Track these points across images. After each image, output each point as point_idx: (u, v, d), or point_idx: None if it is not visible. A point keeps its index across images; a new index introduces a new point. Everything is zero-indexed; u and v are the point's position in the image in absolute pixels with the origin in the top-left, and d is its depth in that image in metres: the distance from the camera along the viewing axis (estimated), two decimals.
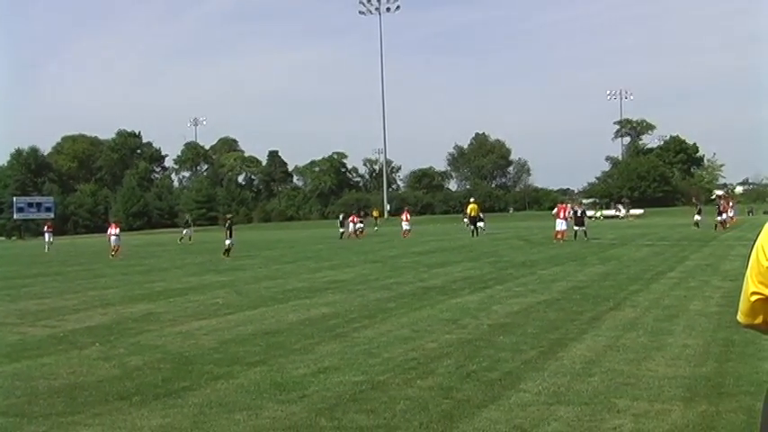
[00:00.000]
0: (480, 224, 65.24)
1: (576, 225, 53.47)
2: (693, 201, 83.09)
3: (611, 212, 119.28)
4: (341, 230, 71.84)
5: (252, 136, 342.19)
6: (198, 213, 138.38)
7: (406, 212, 75.96)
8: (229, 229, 46.96)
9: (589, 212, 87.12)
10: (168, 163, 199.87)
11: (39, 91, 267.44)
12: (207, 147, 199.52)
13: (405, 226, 70.92)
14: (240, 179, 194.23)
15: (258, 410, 9.73)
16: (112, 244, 51.77)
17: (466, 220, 76.41)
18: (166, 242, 72.17)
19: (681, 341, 13.61)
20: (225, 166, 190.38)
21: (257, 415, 9.54)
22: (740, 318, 4.49)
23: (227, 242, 46.51)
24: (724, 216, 64.64)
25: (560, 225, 51.51)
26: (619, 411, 9.23)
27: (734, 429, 8.48)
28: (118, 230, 53.11)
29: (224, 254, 45.68)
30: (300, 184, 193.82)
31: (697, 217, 65.89)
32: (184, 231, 75.99)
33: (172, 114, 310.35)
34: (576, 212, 54.69)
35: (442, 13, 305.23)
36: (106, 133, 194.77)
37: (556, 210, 54.35)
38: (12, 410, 10.10)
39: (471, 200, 71.88)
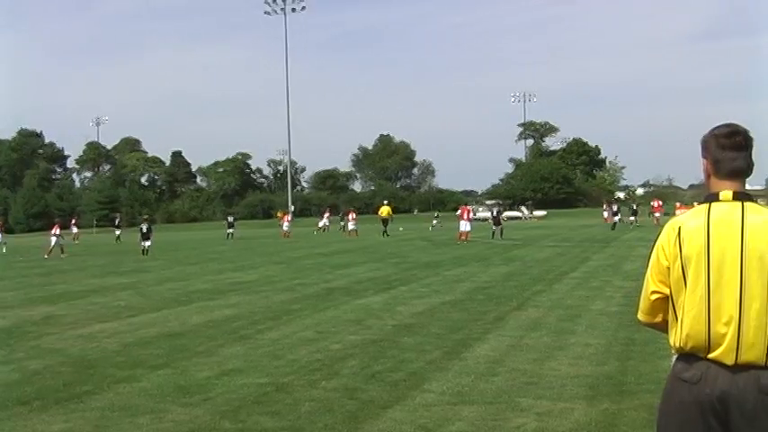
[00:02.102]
0: (434, 222, 65.95)
1: (494, 225, 54.94)
2: (634, 205, 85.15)
3: (515, 214, 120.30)
4: (228, 231, 73.07)
5: (155, 136, 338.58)
6: (100, 214, 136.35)
7: (351, 212, 76.96)
8: (149, 230, 48.76)
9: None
10: (70, 163, 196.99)
11: None
12: (109, 147, 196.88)
13: (351, 225, 72.01)
14: (143, 180, 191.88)
15: (161, 414, 9.63)
16: (52, 244, 51.02)
17: (342, 222, 78.34)
18: (67, 243, 71.01)
19: (583, 340, 13.77)
20: (127, 166, 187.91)
21: (160, 418, 9.43)
22: (640, 316, 4.60)
23: (146, 243, 47.99)
24: (657, 215, 69.73)
25: (464, 226, 52.19)
26: (522, 410, 9.30)
27: (635, 427, 8.59)
28: (58, 230, 52.40)
29: (143, 253, 46.73)
30: (204, 184, 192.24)
31: (632, 217, 69.64)
32: (117, 232, 75.94)
33: (74, 114, 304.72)
34: (492, 213, 56.32)
35: (348, 15, 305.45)
36: (6, 132, 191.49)
37: (459, 211, 55.05)
38: None
39: (384, 202, 72.59)
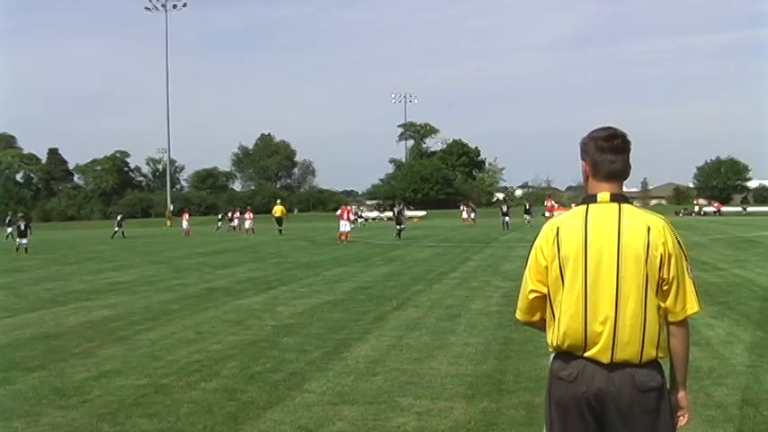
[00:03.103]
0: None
1: (397, 224, 55.67)
2: (527, 204, 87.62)
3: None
4: (115, 230, 73.16)
5: (31, 133, 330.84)
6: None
7: (249, 212, 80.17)
8: (26, 228, 47.82)
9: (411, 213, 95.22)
10: None
11: None
12: None
13: (248, 224, 75.44)
14: (18, 177, 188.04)
15: (37, 417, 9.45)
16: None
17: (237, 222, 79.74)
18: None
19: (463, 340, 13.89)
20: (2, 163, 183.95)
21: (36, 422, 9.26)
22: (519, 315, 4.67)
23: (23, 241, 47.68)
24: (547, 214, 72.98)
25: (344, 226, 52.42)
26: (402, 410, 9.34)
27: (514, 424, 8.70)
28: None
29: (18, 251, 46.56)
30: (81, 183, 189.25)
31: (525, 216, 72.06)
32: (9, 230, 75.18)
33: None
34: (394, 212, 57.46)
35: (230, 12, 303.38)
36: None
37: (340, 211, 55.36)
38: None
39: (278, 201, 73.60)
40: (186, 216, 78.20)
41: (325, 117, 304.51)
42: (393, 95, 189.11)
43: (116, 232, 71.87)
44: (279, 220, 68.22)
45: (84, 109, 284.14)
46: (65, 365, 12.56)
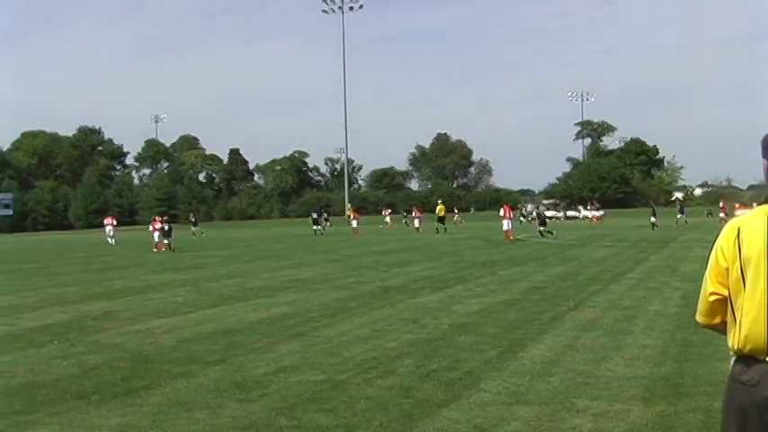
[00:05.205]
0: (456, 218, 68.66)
1: (541, 225, 55.50)
2: (651, 203, 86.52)
3: (588, 213, 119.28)
4: (314, 228, 76.02)
5: (213, 134, 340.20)
6: (158, 211, 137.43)
7: (418, 211, 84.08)
8: (170, 228, 52.24)
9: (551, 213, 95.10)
10: (129, 160, 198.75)
11: None
12: (168, 144, 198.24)
13: (416, 223, 78.13)
14: (201, 177, 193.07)
15: (218, 409, 9.67)
16: (156, 239, 52.69)
17: (405, 220, 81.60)
18: (125, 240, 71.37)
19: (640, 341, 13.66)
20: (185, 163, 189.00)
21: (217, 414, 9.48)
22: (699, 318, 4.54)
23: (166, 240, 51.08)
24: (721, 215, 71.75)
25: (506, 225, 52.67)
26: (578, 411, 9.24)
27: (691, 429, 8.52)
28: (115, 222, 54.02)
29: (169, 249, 49.52)
30: (261, 182, 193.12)
31: (652, 219, 70.28)
32: (193, 228, 78.00)
33: (133, 111, 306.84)
34: (538, 213, 57.19)
35: (406, 13, 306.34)
36: (66, 129, 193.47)
37: (502, 211, 55.55)
38: None
39: (439, 201, 74.65)
40: (357, 216, 79.07)
41: (501, 116, 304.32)
42: (570, 93, 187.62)
43: (318, 230, 74.88)
44: (441, 219, 69.57)
45: (264, 110, 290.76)
46: (244, 360, 12.84)
